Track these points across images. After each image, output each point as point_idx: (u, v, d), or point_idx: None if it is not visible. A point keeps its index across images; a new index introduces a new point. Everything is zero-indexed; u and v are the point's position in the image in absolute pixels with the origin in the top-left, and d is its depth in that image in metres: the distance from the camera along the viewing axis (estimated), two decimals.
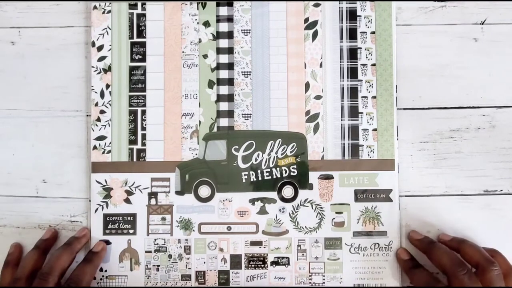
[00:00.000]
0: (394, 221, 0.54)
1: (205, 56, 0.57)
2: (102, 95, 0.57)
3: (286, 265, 0.54)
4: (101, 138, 0.56)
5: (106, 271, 0.55)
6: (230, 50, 0.57)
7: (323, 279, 0.53)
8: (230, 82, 0.57)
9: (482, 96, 0.56)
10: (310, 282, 0.54)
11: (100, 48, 0.57)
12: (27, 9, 0.58)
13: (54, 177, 0.57)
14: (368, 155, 0.55)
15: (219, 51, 0.57)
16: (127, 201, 0.56)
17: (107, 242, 0.56)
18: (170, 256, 0.56)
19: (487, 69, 0.56)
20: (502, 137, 0.55)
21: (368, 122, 0.55)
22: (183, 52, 0.57)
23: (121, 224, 0.56)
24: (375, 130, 0.55)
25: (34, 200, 0.57)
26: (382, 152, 0.55)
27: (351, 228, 0.54)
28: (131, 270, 0.55)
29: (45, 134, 0.57)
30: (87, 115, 0.57)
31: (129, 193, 0.56)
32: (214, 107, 0.57)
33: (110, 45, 0.57)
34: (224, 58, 0.57)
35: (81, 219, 0.56)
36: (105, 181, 0.56)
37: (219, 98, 0.57)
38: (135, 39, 0.57)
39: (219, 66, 0.57)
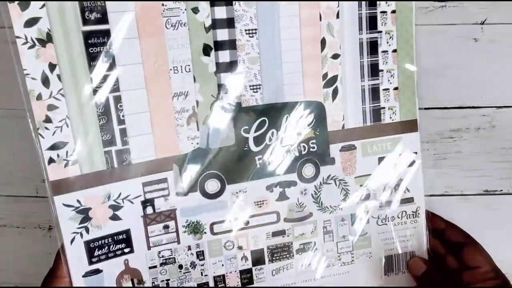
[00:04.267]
0: (419, 186, 0.51)
1: (195, 10, 0.41)
2: (45, 82, 0.38)
3: (313, 250, 0.49)
4: (58, 145, 0.39)
5: None
6: (228, 0, 0.42)
7: (352, 258, 0.50)
8: (231, 45, 0.43)
9: (482, 96, 0.55)
10: (339, 263, 0.50)
11: (25, 5, 0.37)
12: None
13: None
14: (390, 117, 0.49)
15: (213, 2, 0.41)
16: (115, 217, 0.43)
17: (97, 271, 0.43)
18: (180, 266, 0.46)
19: (487, 69, 0.54)
20: (502, 137, 0.55)
21: (389, 80, 0.48)
22: (163, 5, 0.40)
23: (111, 247, 0.43)
24: (396, 89, 0.49)
25: (34, 200, 0.56)
26: (404, 113, 0.49)
27: (377, 199, 0.50)
28: None
29: None
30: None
31: (116, 207, 0.42)
32: (214, 80, 0.43)
33: None
34: (221, 12, 0.42)
35: None
36: (78, 201, 0.41)
37: (219, 67, 0.43)
38: None
39: (215, 24, 0.42)
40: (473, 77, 0.55)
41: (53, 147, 0.39)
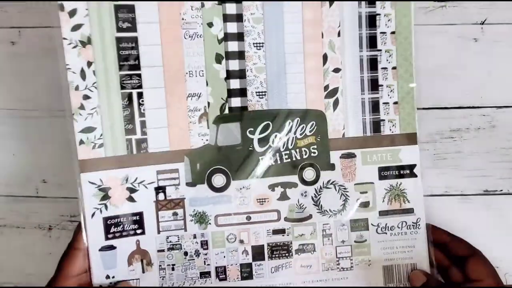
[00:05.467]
0: (420, 197, 0.52)
1: (210, 25, 0.49)
2: (83, 75, 0.46)
3: (312, 252, 0.52)
4: (88, 130, 0.47)
5: (113, 277, 0.49)
6: (239, 17, 0.49)
7: (351, 263, 0.52)
8: (240, 55, 0.49)
9: (482, 96, 0.55)
10: (337, 267, 0.52)
11: (72, 13, 0.46)
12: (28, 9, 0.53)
13: (54, 177, 0.55)
14: (390, 130, 0.52)
15: (226, 18, 0.49)
16: (131, 199, 0.49)
17: (111, 247, 0.49)
18: (185, 253, 0.50)
19: (487, 69, 0.55)
20: (502, 137, 0.55)
21: (388, 95, 0.52)
22: (183, 19, 0.48)
23: (126, 226, 0.49)
24: (396, 103, 0.52)
25: (34, 200, 0.56)
26: (404, 126, 0.52)
27: (376, 208, 0.52)
28: (143, 272, 0.49)
29: (45, 134, 0.54)
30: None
31: (132, 190, 0.49)
32: (224, 85, 0.49)
33: (87, 9, 0.46)
34: (232, 27, 0.49)
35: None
36: (100, 180, 0.48)
37: (229, 74, 0.49)
38: (120, 1, 0.47)
39: (227, 37, 0.49)
40: (473, 77, 0.55)
41: (84, 131, 0.47)
